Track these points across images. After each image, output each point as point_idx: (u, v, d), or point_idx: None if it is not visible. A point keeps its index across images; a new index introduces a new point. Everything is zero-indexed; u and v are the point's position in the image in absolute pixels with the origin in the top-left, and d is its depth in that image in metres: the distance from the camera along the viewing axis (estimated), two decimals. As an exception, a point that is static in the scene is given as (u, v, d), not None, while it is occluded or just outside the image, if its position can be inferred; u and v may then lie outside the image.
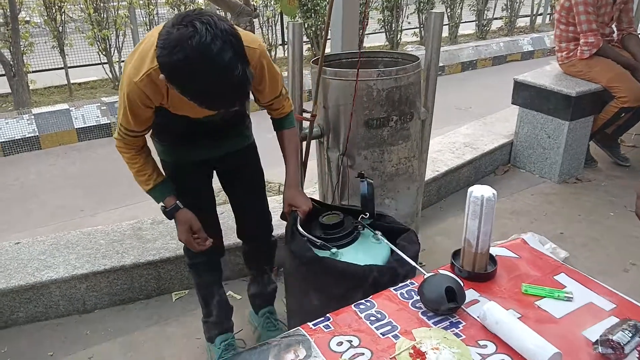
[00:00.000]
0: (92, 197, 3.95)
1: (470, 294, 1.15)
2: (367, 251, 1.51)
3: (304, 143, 2.15)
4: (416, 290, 1.15)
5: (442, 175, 3.29)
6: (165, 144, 1.76)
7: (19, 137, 5.03)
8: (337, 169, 2.13)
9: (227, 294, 2.45)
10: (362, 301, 1.13)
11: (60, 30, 6.10)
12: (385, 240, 1.51)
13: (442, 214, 3.24)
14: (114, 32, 6.36)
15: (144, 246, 2.48)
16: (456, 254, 1.25)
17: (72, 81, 6.44)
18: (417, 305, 1.12)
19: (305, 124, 2.10)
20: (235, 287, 2.49)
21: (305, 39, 7.66)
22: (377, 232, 1.55)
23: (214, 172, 1.91)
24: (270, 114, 1.78)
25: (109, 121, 5.37)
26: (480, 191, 1.12)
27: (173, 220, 1.73)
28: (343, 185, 2.15)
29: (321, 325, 1.06)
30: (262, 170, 1.94)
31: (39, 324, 2.29)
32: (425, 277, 1.14)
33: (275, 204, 2.83)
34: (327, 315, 1.08)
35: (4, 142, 4.95)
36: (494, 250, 1.27)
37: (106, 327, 2.29)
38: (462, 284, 1.12)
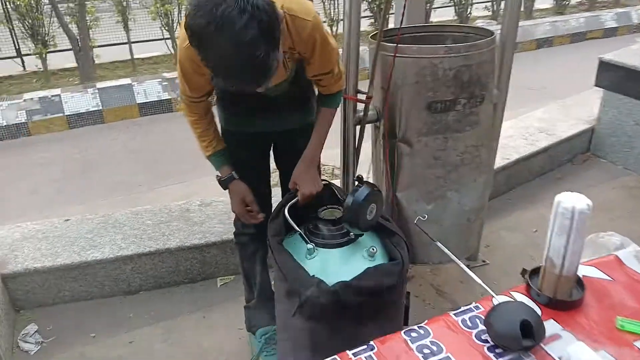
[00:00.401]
0: (150, 173, 3.97)
1: (551, 326, 0.93)
2: (347, 264, 1.31)
3: (358, 127, 1.95)
4: (482, 317, 0.94)
5: (513, 164, 3.00)
6: (225, 112, 1.73)
7: (84, 111, 5.14)
8: (393, 156, 1.93)
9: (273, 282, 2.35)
10: (415, 327, 0.94)
11: (125, 5, 6.15)
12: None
13: (510, 206, 2.96)
14: (177, 7, 6.34)
15: (190, 229, 2.40)
16: (534, 273, 1.03)
17: (135, 56, 6.53)
18: (482, 337, 0.91)
19: (360, 106, 1.90)
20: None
21: (368, 13, 7.34)
22: (373, 247, 1.34)
23: (272, 148, 1.86)
24: (316, 86, 1.67)
25: (169, 97, 5.38)
26: (570, 201, 0.89)
27: (223, 201, 1.73)
28: (399, 175, 1.95)
29: (363, 356, 0.88)
30: None
31: (84, 303, 2.27)
32: (494, 303, 0.93)
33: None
34: (372, 342, 0.91)
35: (69, 115, 5.08)
36: (579, 269, 1.04)
37: (149, 310, 2.24)
38: (540, 315, 0.91)
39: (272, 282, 2.03)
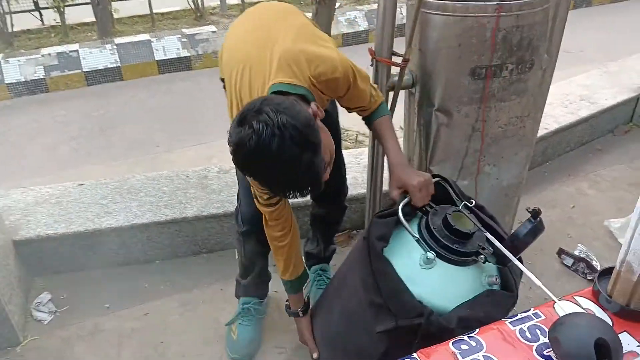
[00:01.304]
0: (168, 132, 3.87)
1: (624, 341, 0.79)
2: (464, 287, 1.13)
3: (391, 93, 1.78)
4: (544, 328, 0.80)
5: (551, 135, 2.81)
6: None
7: (102, 67, 5.02)
8: (429, 126, 1.76)
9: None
10: (464, 338, 0.81)
11: (143, -44, 5.92)
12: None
13: (547, 180, 2.78)
14: (197, -41, 6.09)
15: (208, 197, 2.29)
16: (603, 275, 0.88)
17: (155, 10, 6.31)
18: (545, 353, 0.78)
19: (395, 70, 1.73)
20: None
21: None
22: (496, 276, 1.16)
23: None
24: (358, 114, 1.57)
25: (189, 54, 5.22)
26: (662, 197, 0.74)
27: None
28: (434, 147, 1.78)
29: (405, 371, 0.76)
30: (338, 120, 1.81)
31: (99, 272, 2.19)
32: (557, 311, 0.79)
33: (350, 158, 2.52)
34: (414, 355, 0.78)
35: (87, 71, 4.97)
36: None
37: (165, 281, 2.16)
38: (613, 329, 0.77)
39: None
